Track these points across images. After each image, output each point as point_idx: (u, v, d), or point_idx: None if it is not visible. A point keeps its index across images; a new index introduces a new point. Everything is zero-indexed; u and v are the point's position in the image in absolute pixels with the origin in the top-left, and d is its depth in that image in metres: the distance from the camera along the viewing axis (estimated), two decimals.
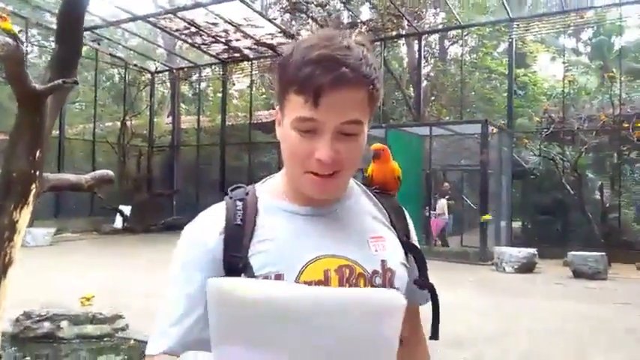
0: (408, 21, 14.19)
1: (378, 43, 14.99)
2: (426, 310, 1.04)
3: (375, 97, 0.84)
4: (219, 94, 18.60)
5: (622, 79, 12.28)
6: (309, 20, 15.99)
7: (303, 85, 0.79)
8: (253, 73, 17.00)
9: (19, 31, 3.05)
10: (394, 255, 0.91)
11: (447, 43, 19.00)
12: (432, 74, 18.52)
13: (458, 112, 15.49)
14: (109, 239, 13.22)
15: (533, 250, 9.30)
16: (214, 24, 14.14)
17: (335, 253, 0.86)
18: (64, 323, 4.00)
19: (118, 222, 14.95)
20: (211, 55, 16.57)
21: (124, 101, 16.96)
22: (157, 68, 18.65)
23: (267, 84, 19.72)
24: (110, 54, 17.09)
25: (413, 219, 1.04)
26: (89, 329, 4.07)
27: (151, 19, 14.82)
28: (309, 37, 0.85)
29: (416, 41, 15.25)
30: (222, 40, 15.14)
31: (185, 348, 0.76)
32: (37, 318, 3.97)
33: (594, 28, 17.67)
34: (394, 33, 15.44)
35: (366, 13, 17.47)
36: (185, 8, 13.65)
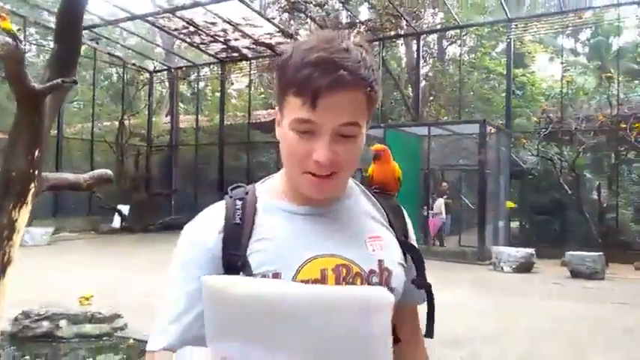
0: (407, 21, 14.21)
1: (377, 43, 15.00)
2: (423, 310, 1.05)
3: (373, 99, 0.85)
4: (218, 94, 18.61)
5: (620, 79, 12.32)
6: (308, 20, 15.99)
7: (301, 87, 0.80)
8: (252, 72, 17.00)
9: (18, 30, 3.06)
10: (391, 255, 0.92)
11: (445, 43, 19.02)
12: (430, 74, 18.54)
13: (456, 112, 15.51)
14: (107, 239, 13.21)
15: (531, 250, 9.32)
16: (213, 23, 14.14)
17: (332, 252, 0.87)
18: (62, 322, 4.00)
19: (117, 221, 14.94)
20: (210, 55, 16.57)
21: (123, 100, 16.94)
22: (155, 67, 18.64)
23: (266, 84, 19.72)
24: (108, 53, 17.08)
25: (411, 219, 1.05)
26: (88, 328, 4.07)
27: (149, 19, 14.81)
28: (309, 38, 0.85)
29: (414, 41, 15.27)
30: (221, 39, 15.14)
31: (184, 344, 0.77)
32: (36, 317, 3.97)
33: (592, 28, 17.72)
34: (393, 33, 15.46)
35: (364, 13, 17.51)
36: (184, 7, 13.64)
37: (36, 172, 3.33)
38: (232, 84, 19.35)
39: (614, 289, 7.71)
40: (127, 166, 15.93)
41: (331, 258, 0.86)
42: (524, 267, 9.08)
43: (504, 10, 12.69)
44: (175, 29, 14.98)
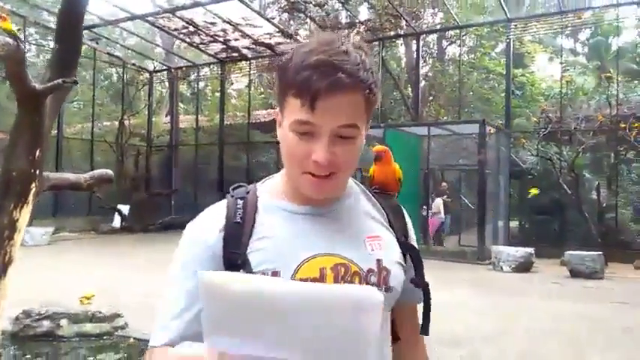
0: (406, 21, 14.22)
1: (376, 43, 15.01)
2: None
3: (371, 101, 0.86)
4: (218, 94, 18.62)
5: (619, 79, 12.33)
6: (308, 20, 16.01)
7: (300, 89, 0.81)
8: (251, 72, 17.01)
9: (18, 30, 3.07)
10: (390, 254, 0.93)
11: (444, 43, 19.03)
12: (430, 74, 18.55)
13: (456, 112, 15.52)
14: (107, 239, 13.22)
15: (530, 250, 9.33)
16: (213, 23, 14.15)
17: (331, 251, 0.88)
18: (63, 322, 4.02)
19: (117, 221, 14.95)
20: (210, 55, 16.57)
21: (122, 100, 16.94)
22: (155, 67, 18.64)
23: (266, 83, 19.73)
24: (108, 53, 17.08)
25: (411, 218, 1.06)
26: (88, 327, 4.08)
27: (149, 19, 14.82)
28: (309, 41, 0.87)
29: (414, 41, 15.27)
30: (221, 39, 15.15)
31: (185, 340, 0.79)
32: (37, 316, 3.99)
33: (592, 28, 17.74)
34: (392, 33, 15.48)
35: (364, 13, 17.52)
36: (184, 7, 13.65)
37: (37, 172, 3.34)
38: (232, 84, 19.36)
39: (613, 289, 7.72)
40: (127, 166, 15.93)
41: (330, 257, 0.87)
42: (524, 266, 9.09)
43: (504, 10, 12.71)
44: (175, 29, 14.99)
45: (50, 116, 3.47)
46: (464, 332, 5.11)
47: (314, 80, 0.80)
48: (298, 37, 15.36)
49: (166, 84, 19.44)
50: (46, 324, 3.99)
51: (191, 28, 14.60)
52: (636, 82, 15.29)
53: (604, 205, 11.33)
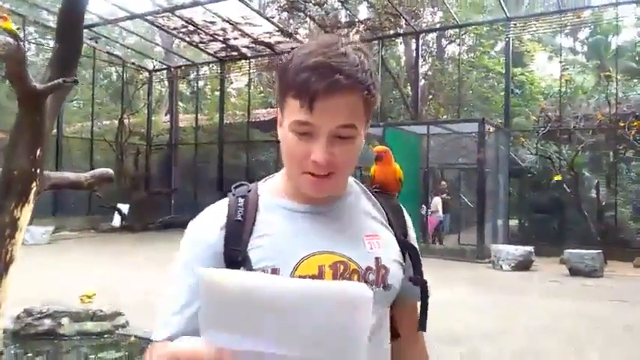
0: (406, 20, 14.22)
1: (376, 42, 15.03)
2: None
3: (370, 102, 0.87)
4: (217, 93, 18.62)
5: (618, 78, 12.33)
6: (307, 19, 16.02)
7: (299, 90, 0.83)
8: (251, 71, 17.01)
9: (17, 29, 3.09)
10: (389, 253, 0.94)
11: (444, 42, 19.03)
12: (429, 73, 18.55)
13: (455, 111, 15.53)
14: (107, 237, 13.23)
15: (530, 248, 9.35)
16: (212, 22, 14.16)
17: (330, 249, 0.89)
18: (64, 320, 4.03)
19: (116, 220, 14.97)
20: (209, 54, 16.58)
21: (122, 99, 16.95)
22: (154, 66, 18.64)
23: (265, 82, 19.74)
24: (108, 52, 17.08)
25: (410, 217, 1.08)
26: (89, 326, 4.10)
27: (148, 18, 14.81)
28: (309, 43, 0.88)
29: (413, 40, 15.28)
30: (220, 38, 15.15)
31: (186, 335, 0.81)
32: (38, 315, 4.00)
33: (591, 27, 17.74)
34: (392, 32, 15.48)
35: (363, 11, 17.52)
36: (183, 7, 13.65)
37: (37, 171, 3.36)
38: (232, 83, 19.36)
39: (612, 287, 7.74)
40: (127, 165, 15.94)
41: (329, 255, 0.89)
42: (523, 265, 9.11)
43: (503, 9, 12.72)
44: (175, 28, 14.99)
45: (51, 116, 3.48)
46: (463, 330, 5.13)
47: (312, 82, 0.81)
48: (298, 36, 15.37)
49: (166, 83, 19.45)
50: (48, 322, 4.00)
51: (190, 27, 14.60)
52: (635, 80, 15.31)
53: (603, 203, 11.34)
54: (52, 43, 15.91)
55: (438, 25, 17.51)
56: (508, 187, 12.49)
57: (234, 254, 0.87)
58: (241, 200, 0.93)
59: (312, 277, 0.87)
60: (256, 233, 0.89)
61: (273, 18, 15.15)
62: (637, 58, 16.97)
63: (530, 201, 12.67)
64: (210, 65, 17.93)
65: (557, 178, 10.50)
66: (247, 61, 16.58)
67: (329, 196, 0.93)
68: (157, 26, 15.65)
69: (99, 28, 15.28)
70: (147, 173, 17.25)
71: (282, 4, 15.64)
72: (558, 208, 11.82)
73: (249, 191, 0.95)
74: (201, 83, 19.71)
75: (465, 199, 14.22)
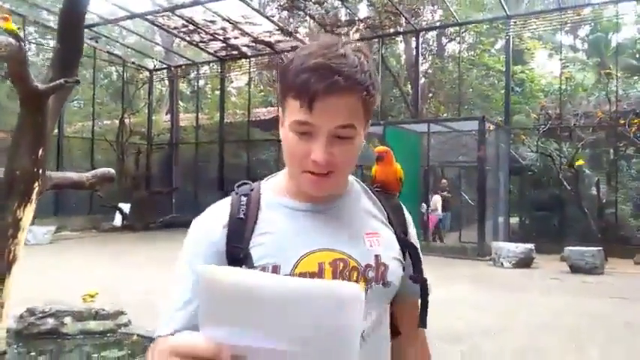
0: (406, 18, 14.22)
1: (376, 40, 15.03)
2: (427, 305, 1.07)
3: (369, 103, 0.89)
4: (218, 92, 18.62)
5: (618, 75, 12.33)
6: (307, 18, 16.02)
7: (299, 91, 0.84)
8: (251, 70, 17.01)
9: (17, 29, 3.11)
10: (388, 251, 0.96)
11: (444, 40, 19.01)
12: (429, 71, 18.54)
13: (455, 109, 15.53)
14: (108, 237, 13.25)
15: (530, 246, 9.36)
16: (212, 22, 14.16)
17: (330, 247, 0.91)
18: (67, 319, 4.05)
19: (118, 220, 14.99)
20: (209, 53, 16.58)
21: (123, 99, 16.95)
22: (155, 66, 18.65)
23: (265, 81, 19.74)
24: (108, 52, 17.09)
25: (411, 215, 1.09)
26: (92, 325, 4.12)
27: (148, 17, 14.81)
28: (309, 44, 0.90)
29: (413, 38, 15.27)
30: (220, 37, 15.16)
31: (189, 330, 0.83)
32: (41, 314, 4.02)
33: (591, 24, 17.72)
34: (392, 30, 15.48)
35: (363, 10, 17.50)
36: (183, 6, 13.65)
37: (40, 171, 3.37)
38: (232, 82, 19.37)
39: (613, 284, 7.75)
40: (128, 165, 15.95)
41: (329, 252, 0.91)
42: (524, 262, 9.12)
43: (503, 7, 12.70)
44: (175, 28, 15.00)
45: (52, 116, 3.50)
46: (464, 327, 5.14)
47: (312, 82, 0.83)
48: (298, 35, 15.37)
49: (166, 82, 19.46)
50: (51, 322, 4.02)
51: (191, 27, 14.61)
52: (636, 78, 15.31)
53: (604, 200, 11.35)
54: (52, 43, 15.96)
55: (438, 24, 17.51)
56: (508, 185, 12.49)
57: (236, 251, 0.89)
58: (244, 199, 0.95)
59: (312, 274, 0.88)
60: (258, 231, 0.91)
61: (273, 17, 15.14)
62: (637, 56, 16.96)
63: (530, 198, 12.68)
64: (211, 64, 17.93)
65: (580, 162, 10.46)
66: (247, 60, 16.58)
67: (330, 194, 0.95)
68: (157, 26, 15.66)
69: (99, 28, 15.29)
70: (148, 173, 17.26)
71: (282, 3, 15.63)
72: (559, 205, 11.83)
73: (252, 190, 0.97)
74: (201, 82, 19.73)
75: (466, 197, 14.23)
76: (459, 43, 16.40)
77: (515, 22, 13.15)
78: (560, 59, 14.82)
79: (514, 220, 13.07)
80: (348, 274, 0.90)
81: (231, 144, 17.21)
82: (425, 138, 12.06)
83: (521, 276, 8.39)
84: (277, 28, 14.55)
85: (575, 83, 14.27)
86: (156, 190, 16.78)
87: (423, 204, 12.02)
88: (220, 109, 17.24)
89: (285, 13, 16.31)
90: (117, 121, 16.39)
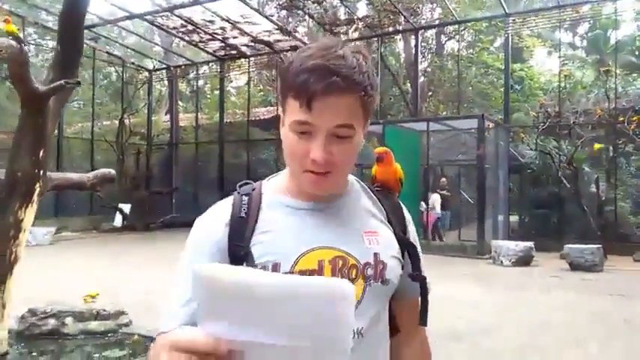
0: (405, 17, 14.22)
1: (375, 39, 15.05)
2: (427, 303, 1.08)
3: (367, 103, 0.91)
4: (217, 92, 18.63)
5: (618, 72, 12.33)
6: (306, 17, 16.02)
7: (298, 91, 0.86)
8: (251, 70, 17.02)
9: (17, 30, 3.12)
10: (387, 249, 0.97)
11: (443, 38, 19.02)
12: (428, 70, 18.55)
13: (455, 108, 15.55)
14: (108, 237, 13.26)
15: (530, 244, 9.38)
16: (211, 21, 14.17)
17: (330, 245, 0.93)
18: (68, 320, 4.06)
19: (118, 220, 14.99)
20: (208, 53, 16.59)
21: (122, 99, 16.95)
22: (154, 66, 18.65)
23: (265, 81, 19.74)
24: (107, 52, 17.09)
25: (410, 214, 1.11)
26: (93, 325, 4.13)
27: (147, 17, 14.82)
28: (309, 46, 0.92)
29: (412, 37, 15.28)
30: (219, 37, 15.16)
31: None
32: (42, 315, 4.04)
33: (590, 22, 17.74)
34: (391, 29, 15.48)
35: (362, 9, 17.51)
36: (182, 6, 13.66)
37: (41, 172, 3.39)
38: (231, 82, 19.38)
39: (612, 282, 7.77)
40: (128, 165, 15.96)
41: (329, 250, 0.92)
42: (524, 260, 9.14)
43: (502, 4, 12.71)
44: (174, 28, 15.00)
45: (53, 117, 3.52)
46: (464, 325, 5.16)
47: (311, 83, 0.85)
48: (297, 34, 15.38)
49: (166, 82, 19.45)
50: (52, 322, 4.03)
51: (190, 27, 14.61)
52: (635, 75, 15.29)
53: (603, 198, 11.36)
54: (51, 44, 15.95)
55: (437, 22, 17.51)
56: (508, 183, 12.51)
57: (238, 250, 0.91)
58: (245, 198, 0.97)
59: (312, 271, 0.90)
60: (259, 230, 0.93)
61: (272, 16, 15.15)
62: (636, 53, 16.98)
63: (530, 196, 12.69)
64: (210, 64, 17.94)
65: (598, 147, 10.46)
66: (247, 59, 16.58)
67: (330, 194, 0.97)
68: (157, 26, 15.66)
69: (98, 29, 15.28)
70: (148, 173, 17.26)
71: (281, 3, 15.63)
72: (558, 203, 11.84)
73: (254, 190, 0.99)
74: (200, 82, 19.74)
75: (465, 196, 14.24)
76: (458, 41, 16.43)
77: (514, 20, 13.16)
78: (559, 57, 14.82)
79: (514, 218, 13.08)
80: (348, 272, 0.92)
81: (230, 144, 17.22)
82: (424, 136, 12.07)
83: (520, 274, 8.41)
84: (276, 27, 14.55)
85: (574, 81, 14.26)
86: (156, 190, 16.78)
87: (422, 203, 12.04)
88: (220, 108, 17.25)
89: (284, 13, 16.33)
90: (116, 122, 16.39)
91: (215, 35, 15.04)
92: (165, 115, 20.59)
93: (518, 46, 17.24)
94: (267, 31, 14.60)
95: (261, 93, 20.95)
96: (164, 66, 18.46)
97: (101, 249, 11.13)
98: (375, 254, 0.95)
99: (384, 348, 1.01)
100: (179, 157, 18.05)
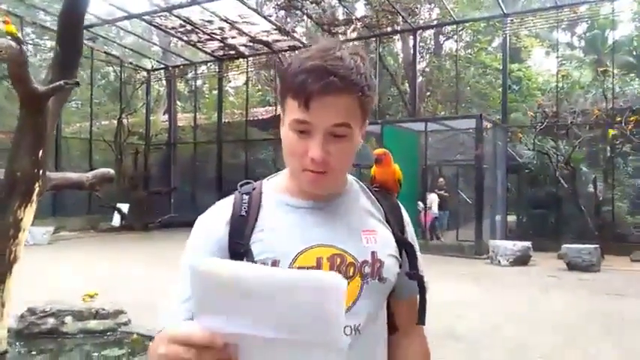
0: (403, 17, 14.24)
1: (373, 39, 15.06)
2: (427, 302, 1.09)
3: (365, 103, 0.93)
4: (215, 92, 18.63)
5: (615, 72, 12.37)
6: (304, 17, 16.03)
7: (297, 91, 0.89)
8: (249, 70, 17.02)
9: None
10: (384, 248, 0.99)
11: (441, 38, 19.04)
12: (427, 70, 18.58)
13: (453, 108, 15.58)
14: (107, 237, 13.26)
15: (527, 244, 9.41)
16: (209, 21, 14.17)
17: (329, 243, 0.95)
18: (67, 319, 4.08)
19: (116, 220, 14.98)
20: (207, 53, 16.58)
21: (120, 99, 16.95)
22: (152, 66, 18.64)
23: (263, 81, 19.74)
24: (105, 52, 17.07)
25: (408, 214, 1.12)
26: (92, 324, 4.15)
27: (146, 17, 14.81)
28: (309, 48, 0.94)
29: (411, 37, 15.31)
30: (218, 37, 15.17)
31: None
32: (42, 314, 4.05)
33: (588, 22, 17.78)
34: (389, 29, 15.50)
35: (360, 9, 17.51)
36: (180, 6, 13.66)
37: (40, 172, 3.40)
38: (230, 82, 19.39)
39: (609, 281, 7.79)
40: (126, 165, 15.95)
41: (327, 248, 0.94)
42: (521, 260, 9.17)
43: (500, 5, 12.73)
44: (172, 28, 14.99)
45: (52, 117, 3.53)
46: (462, 325, 5.18)
47: (309, 83, 0.87)
48: (295, 34, 15.39)
49: (164, 82, 19.45)
50: (51, 321, 4.05)
51: (188, 27, 14.61)
52: (632, 75, 15.36)
53: (600, 198, 11.38)
54: (49, 44, 15.94)
55: (435, 22, 17.54)
56: (506, 183, 12.53)
57: (238, 247, 0.93)
58: (246, 197, 0.99)
59: (310, 268, 0.92)
60: (259, 228, 0.95)
61: (270, 16, 15.15)
62: (634, 53, 17.03)
63: (527, 196, 12.71)
64: (208, 64, 17.93)
65: (613, 132, 10.47)
66: (245, 59, 16.58)
67: (329, 193, 0.99)
68: (155, 26, 15.64)
69: (96, 29, 15.27)
70: (146, 173, 17.26)
71: (279, 3, 15.64)
72: (556, 203, 11.87)
73: (254, 189, 1.01)
74: (199, 82, 19.73)
75: (463, 196, 14.26)
76: (456, 41, 16.44)
77: (512, 20, 13.18)
78: (557, 57, 14.84)
79: (511, 218, 13.10)
80: (345, 270, 0.94)
81: (229, 144, 17.22)
82: (422, 137, 12.10)
83: (518, 274, 8.43)
84: (275, 27, 14.56)
85: (572, 81, 14.31)
86: (154, 190, 16.77)
87: (420, 202, 12.06)
88: (218, 108, 17.25)
89: (282, 13, 16.34)
90: (115, 122, 16.39)
91: (213, 35, 15.05)
92: (164, 115, 20.58)
93: (516, 46, 17.27)
94: (265, 31, 14.60)
95: (260, 93, 20.96)
96: (162, 66, 18.45)
97: (99, 249, 11.13)
98: (373, 253, 0.97)
99: (382, 345, 1.02)
100: (177, 157, 18.04)
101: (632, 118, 10.40)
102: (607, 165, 11.96)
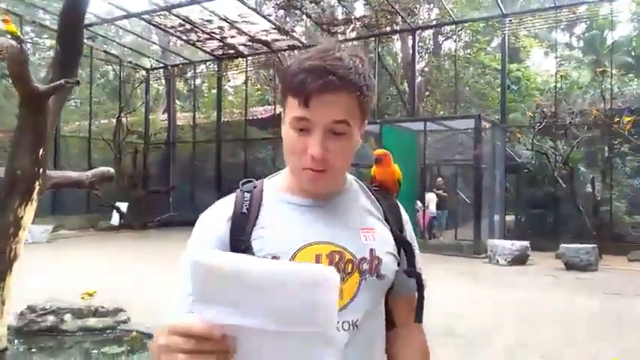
0: (402, 17, 14.26)
1: (372, 39, 15.07)
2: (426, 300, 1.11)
3: (364, 103, 0.95)
4: (214, 91, 18.63)
5: (614, 73, 12.39)
6: (304, 17, 16.04)
7: (297, 89, 0.91)
8: (248, 69, 17.02)
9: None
10: (383, 246, 1.01)
11: (440, 38, 19.06)
12: (426, 70, 18.59)
13: (452, 107, 15.60)
14: (105, 236, 13.27)
15: (525, 243, 9.43)
16: (209, 21, 14.18)
17: (328, 240, 0.97)
18: (67, 316, 4.09)
19: (115, 219, 14.98)
20: (206, 52, 16.58)
21: (119, 98, 16.95)
22: (151, 65, 18.63)
23: (262, 80, 19.75)
24: (105, 51, 17.07)
25: (407, 213, 1.14)
26: (92, 322, 4.16)
27: (145, 16, 14.81)
28: (309, 49, 0.97)
29: (410, 37, 15.32)
30: (217, 36, 15.17)
31: None
32: (41, 312, 4.06)
33: (587, 22, 17.81)
34: (388, 29, 15.51)
35: (360, 9, 17.52)
36: (180, 5, 13.67)
37: (40, 171, 3.41)
38: (229, 81, 19.39)
39: (607, 281, 7.82)
40: (125, 164, 15.94)
41: (326, 245, 0.96)
42: (519, 260, 9.19)
43: (499, 5, 12.75)
44: (171, 27, 15.00)
45: (52, 116, 3.54)
46: (460, 324, 5.20)
47: (308, 82, 0.89)
48: (294, 34, 15.40)
49: (163, 81, 19.45)
50: (51, 319, 4.06)
51: (187, 26, 14.61)
52: (631, 75, 15.38)
53: (599, 198, 11.41)
54: (48, 43, 15.93)
55: (434, 22, 17.55)
56: (504, 183, 12.55)
57: (239, 244, 0.95)
58: (247, 195, 1.01)
59: None
60: (259, 225, 0.97)
61: (269, 16, 15.16)
62: (633, 54, 17.07)
63: (526, 196, 12.74)
64: (208, 63, 17.93)
65: (629, 119, 10.47)
66: (244, 59, 16.59)
67: (329, 191, 1.01)
68: (154, 25, 15.64)
69: (96, 27, 15.27)
70: (145, 172, 17.26)
71: (278, 2, 15.64)
72: (554, 203, 11.90)
73: (255, 187, 1.04)
74: (198, 81, 19.74)
75: (462, 195, 14.29)
76: (455, 41, 16.46)
77: (510, 21, 13.20)
78: (556, 57, 14.89)
79: (510, 217, 13.13)
80: (344, 267, 0.96)
81: (228, 143, 17.22)
82: (421, 136, 12.12)
83: (516, 273, 8.46)
84: (274, 26, 14.57)
85: (570, 81, 14.34)
86: (153, 189, 16.77)
87: (418, 202, 12.08)
88: (217, 108, 17.25)
89: (281, 12, 16.33)
90: (114, 120, 16.37)
91: (213, 34, 15.05)
92: (163, 114, 20.57)
93: (515, 46, 17.29)
94: (264, 30, 14.61)
95: (259, 92, 20.96)
96: (162, 65, 18.45)
97: (98, 247, 11.13)
98: (371, 250, 0.99)
99: (380, 342, 1.04)
100: (176, 156, 18.04)
101: (630, 119, 10.41)
102: (605, 165, 11.99)
